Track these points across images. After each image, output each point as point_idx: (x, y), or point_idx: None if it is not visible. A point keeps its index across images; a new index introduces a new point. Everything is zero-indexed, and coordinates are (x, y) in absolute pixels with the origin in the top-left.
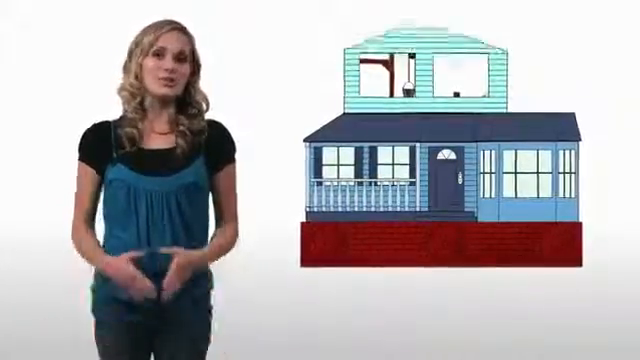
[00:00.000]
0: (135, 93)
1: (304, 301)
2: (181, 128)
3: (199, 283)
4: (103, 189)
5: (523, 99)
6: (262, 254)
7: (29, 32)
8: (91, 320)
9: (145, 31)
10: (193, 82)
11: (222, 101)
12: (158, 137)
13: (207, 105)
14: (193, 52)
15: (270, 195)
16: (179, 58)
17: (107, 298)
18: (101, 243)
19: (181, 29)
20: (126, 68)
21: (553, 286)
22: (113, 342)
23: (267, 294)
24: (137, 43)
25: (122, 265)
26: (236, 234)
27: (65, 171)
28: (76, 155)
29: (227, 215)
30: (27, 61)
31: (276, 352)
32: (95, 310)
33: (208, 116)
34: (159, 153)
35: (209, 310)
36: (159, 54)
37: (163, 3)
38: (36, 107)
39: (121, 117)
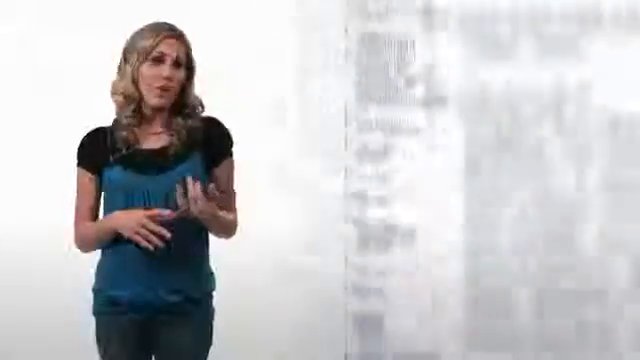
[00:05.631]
0: (130, 98)
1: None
2: (176, 127)
3: (201, 284)
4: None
5: None
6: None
7: (30, 32)
8: (92, 321)
9: (142, 34)
10: (187, 87)
11: (209, 99)
12: (153, 137)
13: (202, 107)
14: (189, 57)
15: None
16: (177, 64)
17: (108, 298)
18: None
19: (181, 34)
20: (121, 70)
21: None
22: (114, 343)
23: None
24: (134, 46)
25: (134, 212)
26: (236, 224)
27: (65, 172)
28: (74, 156)
29: (227, 209)
30: (27, 61)
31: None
32: (96, 311)
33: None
34: (154, 152)
35: (211, 311)
36: (158, 60)
37: (159, 2)
38: (35, 108)
39: (115, 120)
